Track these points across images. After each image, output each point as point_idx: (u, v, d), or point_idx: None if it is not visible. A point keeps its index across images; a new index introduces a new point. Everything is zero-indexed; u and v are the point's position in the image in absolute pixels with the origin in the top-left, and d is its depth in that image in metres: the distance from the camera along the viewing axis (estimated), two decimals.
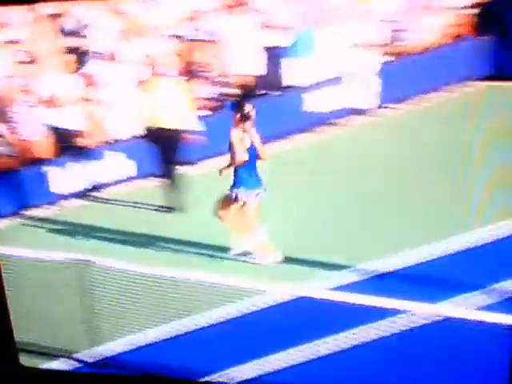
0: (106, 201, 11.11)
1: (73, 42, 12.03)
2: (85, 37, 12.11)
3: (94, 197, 11.41)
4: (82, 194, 11.44)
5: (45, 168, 11.28)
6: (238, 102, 9.73)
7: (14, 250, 8.10)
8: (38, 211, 11.07)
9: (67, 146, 11.43)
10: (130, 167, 11.75)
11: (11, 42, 11.81)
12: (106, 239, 9.92)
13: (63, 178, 11.41)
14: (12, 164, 11.32)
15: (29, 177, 11.14)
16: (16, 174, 11.15)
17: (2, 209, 10.79)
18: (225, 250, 9.46)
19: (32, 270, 7.98)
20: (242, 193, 9.18)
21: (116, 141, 11.78)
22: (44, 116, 11.57)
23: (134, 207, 10.54)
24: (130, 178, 11.69)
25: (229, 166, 9.20)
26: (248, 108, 9.14)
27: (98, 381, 8.03)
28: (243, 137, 9.09)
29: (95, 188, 11.51)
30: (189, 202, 10.50)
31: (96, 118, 11.60)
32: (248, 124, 9.10)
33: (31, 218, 10.86)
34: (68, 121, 11.51)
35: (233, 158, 9.14)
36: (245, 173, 9.17)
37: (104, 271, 7.77)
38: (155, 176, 11.06)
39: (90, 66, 11.90)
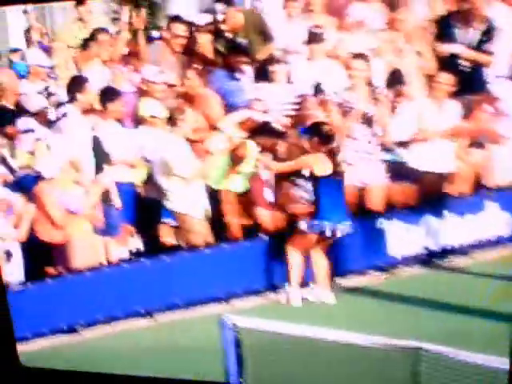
0: (460, 270, 9.58)
1: None
2: None
3: (441, 265, 9.77)
4: (424, 259, 9.85)
5: (381, 222, 9.79)
6: (315, 123, 9.27)
7: (305, 328, 6.75)
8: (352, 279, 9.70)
9: (427, 193, 9.90)
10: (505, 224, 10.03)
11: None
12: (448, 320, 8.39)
13: (404, 236, 9.88)
14: None
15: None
16: None
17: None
18: None
19: (334, 356, 6.71)
20: (323, 226, 8.99)
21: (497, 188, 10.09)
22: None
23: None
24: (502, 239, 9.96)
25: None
26: (327, 128, 9.08)
27: (98, 381, 8.05)
28: (324, 163, 8.99)
29: (448, 251, 9.87)
30: None
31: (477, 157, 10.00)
32: (331, 147, 9.02)
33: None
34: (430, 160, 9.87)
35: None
36: (328, 203, 9.00)
37: (440, 362, 6.40)
38: None
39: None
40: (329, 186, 9.04)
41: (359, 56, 9.79)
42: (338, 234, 9.05)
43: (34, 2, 10.44)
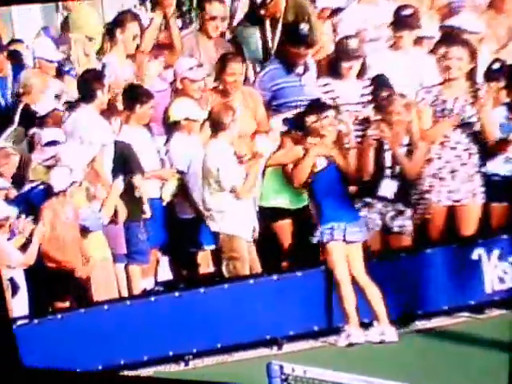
0: None
1: None
2: None
3: None
4: None
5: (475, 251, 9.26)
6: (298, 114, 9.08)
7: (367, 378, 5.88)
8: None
9: None
10: None
11: None
12: None
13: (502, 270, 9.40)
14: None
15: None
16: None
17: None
18: None
19: None
20: (329, 231, 8.68)
21: None
22: None
23: None
24: None
25: None
26: (310, 119, 8.72)
27: (98, 381, 8.47)
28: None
29: None
30: None
31: None
32: (314, 139, 8.81)
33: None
34: None
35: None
36: (329, 203, 8.76)
37: None
38: None
39: None
40: (323, 184, 8.84)
41: (457, 42, 8.90)
42: (349, 238, 8.67)
43: (34, 2, 10.27)
